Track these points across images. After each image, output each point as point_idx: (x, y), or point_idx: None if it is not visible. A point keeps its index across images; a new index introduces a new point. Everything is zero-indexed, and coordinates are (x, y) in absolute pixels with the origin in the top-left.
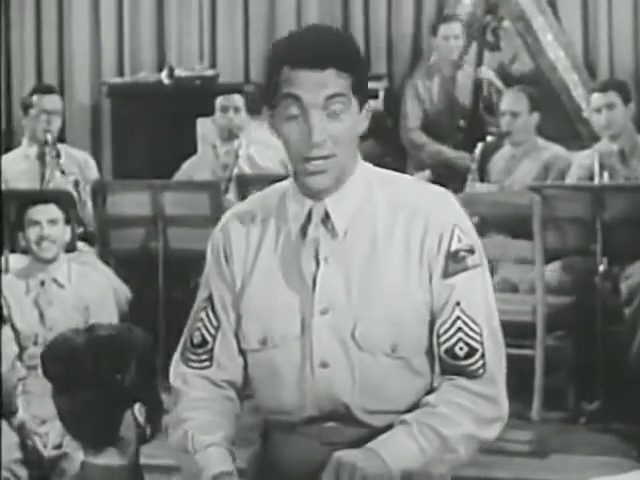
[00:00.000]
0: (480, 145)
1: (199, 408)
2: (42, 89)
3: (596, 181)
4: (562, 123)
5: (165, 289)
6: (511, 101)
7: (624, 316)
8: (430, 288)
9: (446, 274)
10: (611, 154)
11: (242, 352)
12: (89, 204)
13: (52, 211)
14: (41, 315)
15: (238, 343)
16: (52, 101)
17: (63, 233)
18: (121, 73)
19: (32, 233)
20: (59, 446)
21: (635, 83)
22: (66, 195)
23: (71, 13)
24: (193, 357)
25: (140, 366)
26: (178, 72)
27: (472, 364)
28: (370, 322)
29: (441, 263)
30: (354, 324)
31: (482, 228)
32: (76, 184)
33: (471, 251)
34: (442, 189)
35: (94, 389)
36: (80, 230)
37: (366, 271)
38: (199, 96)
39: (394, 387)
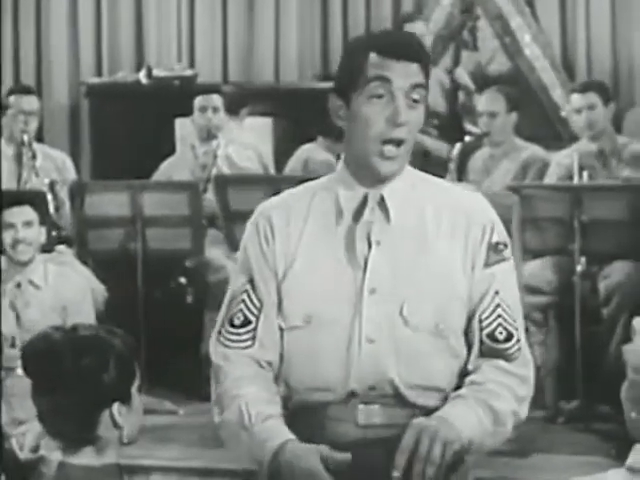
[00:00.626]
0: (458, 145)
1: (250, 385)
2: (20, 90)
3: (575, 181)
4: (540, 123)
5: (144, 289)
6: (489, 101)
7: (602, 316)
8: (472, 276)
9: (487, 264)
10: (591, 154)
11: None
12: (67, 205)
13: (27, 213)
14: (18, 317)
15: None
16: (29, 102)
17: (38, 235)
18: (99, 73)
19: (7, 236)
20: (36, 449)
21: (613, 83)
22: (40, 195)
23: (49, 13)
24: (233, 337)
25: (120, 367)
26: (156, 72)
27: (510, 347)
28: (417, 301)
29: (483, 253)
30: (402, 302)
31: None
32: (52, 185)
33: (506, 245)
34: (476, 191)
35: (73, 387)
36: (54, 234)
37: (415, 256)
38: (178, 96)
39: (434, 366)
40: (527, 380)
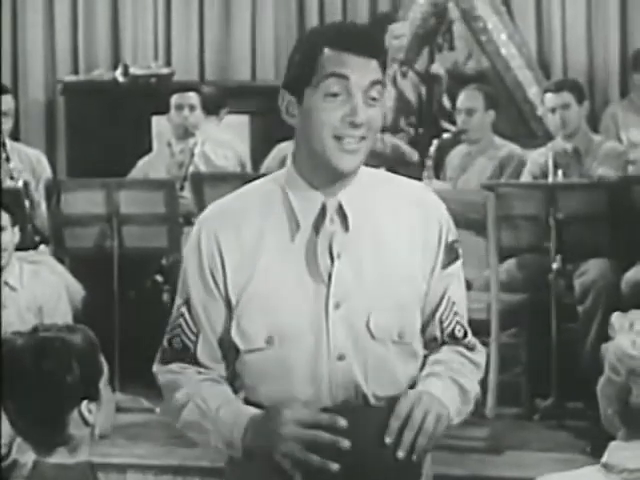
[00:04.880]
0: (436, 142)
1: (200, 384)
2: None
3: (550, 179)
4: (516, 121)
5: (120, 287)
6: (467, 98)
7: (578, 313)
8: (430, 278)
9: (444, 265)
10: (565, 153)
11: (234, 353)
12: (42, 204)
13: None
14: None
15: (229, 346)
16: (5, 101)
17: (12, 237)
18: (76, 71)
19: None
20: (8, 450)
21: (588, 81)
22: (12, 194)
23: (25, 10)
24: (176, 361)
25: (83, 365)
26: (133, 70)
27: (468, 342)
28: (382, 311)
29: (442, 255)
30: (368, 314)
31: None
32: (26, 187)
33: (458, 241)
34: (423, 184)
35: (38, 391)
36: (37, 239)
37: (376, 264)
38: (154, 94)
39: (398, 372)
40: (481, 366)
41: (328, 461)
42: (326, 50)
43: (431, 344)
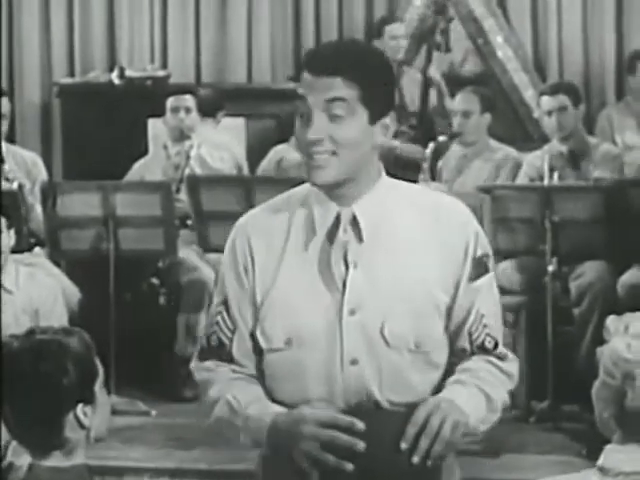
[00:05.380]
0: (431, 144)
1: (233, 382)
2: None
3: (545, 182)
4: (512, 124)
5: (116, 290)
6: (463, 101)
7: (574, 316)
8: (456, 290)
9: (472, 279)
10: (561, 155)
11: (259, 352)
12: (37, 206)
13: None
14: None
15: (256, 343)
16: (1, 104)
17: (8, 240)
18: (72, 73)
19: None
20: (4, 452)
21: (584, 84)
22: (7, 197)
23: (21, 12)
24: (212, 358)
25: (79, 368)
26: (129, 72)
27: (499, 352)
28: (397, 319)
29: (468, 269)
30: (382, 322)
31: None
32: (20, 189)
33: (488, 255)
34: (453, 197)
35: (34, 394)
36: (32, 241)
37: (392, 274)
38: (150, 96)
39: (414, 380)
40: (513, 376)
41: (343, 461)
42: (304, 73)
43: (460, 354)
